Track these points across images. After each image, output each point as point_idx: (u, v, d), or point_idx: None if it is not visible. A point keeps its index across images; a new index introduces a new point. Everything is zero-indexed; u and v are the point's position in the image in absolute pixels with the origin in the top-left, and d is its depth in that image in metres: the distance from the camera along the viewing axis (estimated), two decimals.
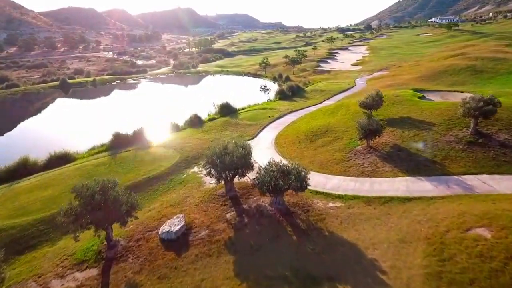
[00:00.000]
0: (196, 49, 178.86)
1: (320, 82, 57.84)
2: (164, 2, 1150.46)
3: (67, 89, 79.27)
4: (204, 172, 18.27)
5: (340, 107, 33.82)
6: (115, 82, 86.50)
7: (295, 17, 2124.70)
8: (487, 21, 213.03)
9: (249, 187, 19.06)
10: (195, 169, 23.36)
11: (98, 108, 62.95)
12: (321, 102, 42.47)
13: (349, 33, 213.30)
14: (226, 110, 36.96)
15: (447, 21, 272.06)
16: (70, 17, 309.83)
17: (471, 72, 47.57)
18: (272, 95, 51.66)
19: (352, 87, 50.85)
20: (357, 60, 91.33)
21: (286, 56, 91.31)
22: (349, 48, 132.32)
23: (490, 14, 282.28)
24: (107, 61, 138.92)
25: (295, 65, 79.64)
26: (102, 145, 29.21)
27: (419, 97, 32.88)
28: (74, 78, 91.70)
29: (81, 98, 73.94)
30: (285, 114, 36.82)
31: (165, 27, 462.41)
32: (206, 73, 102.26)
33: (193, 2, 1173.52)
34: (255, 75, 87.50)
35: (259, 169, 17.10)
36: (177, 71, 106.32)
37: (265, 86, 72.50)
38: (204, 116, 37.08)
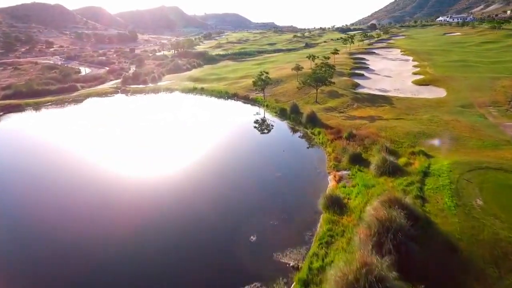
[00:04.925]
0: (171, 52, 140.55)
1: (423, 155, 20.84)
2: (148, 0, 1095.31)
3: None
4: None
5: None
6: None
7: (288, 17, 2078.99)
8: None
9: None
10: None
11: None
12: None
13: (351, 33, 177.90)
14: None
15: (460, 19, 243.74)
16: (30, 14, 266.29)
17: None
18: None
19: None
20: (417, 75, 54.92)
21: (298, 67, 54.28)
22: (375, 51, 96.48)
23: (508, 12, 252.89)
24: (41, 70, 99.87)
25: (319, 85, 42.80)
26: None
27: None
28: None
29: None
30: None
31: (149, 27, 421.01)
32: (169, 90, 64.65)
33: (180, 0, 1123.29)
34: (247, 100, 50.66)
35: None
36: (126, 87, 68.50)
37: (263, 119, 37.36)
38: None
